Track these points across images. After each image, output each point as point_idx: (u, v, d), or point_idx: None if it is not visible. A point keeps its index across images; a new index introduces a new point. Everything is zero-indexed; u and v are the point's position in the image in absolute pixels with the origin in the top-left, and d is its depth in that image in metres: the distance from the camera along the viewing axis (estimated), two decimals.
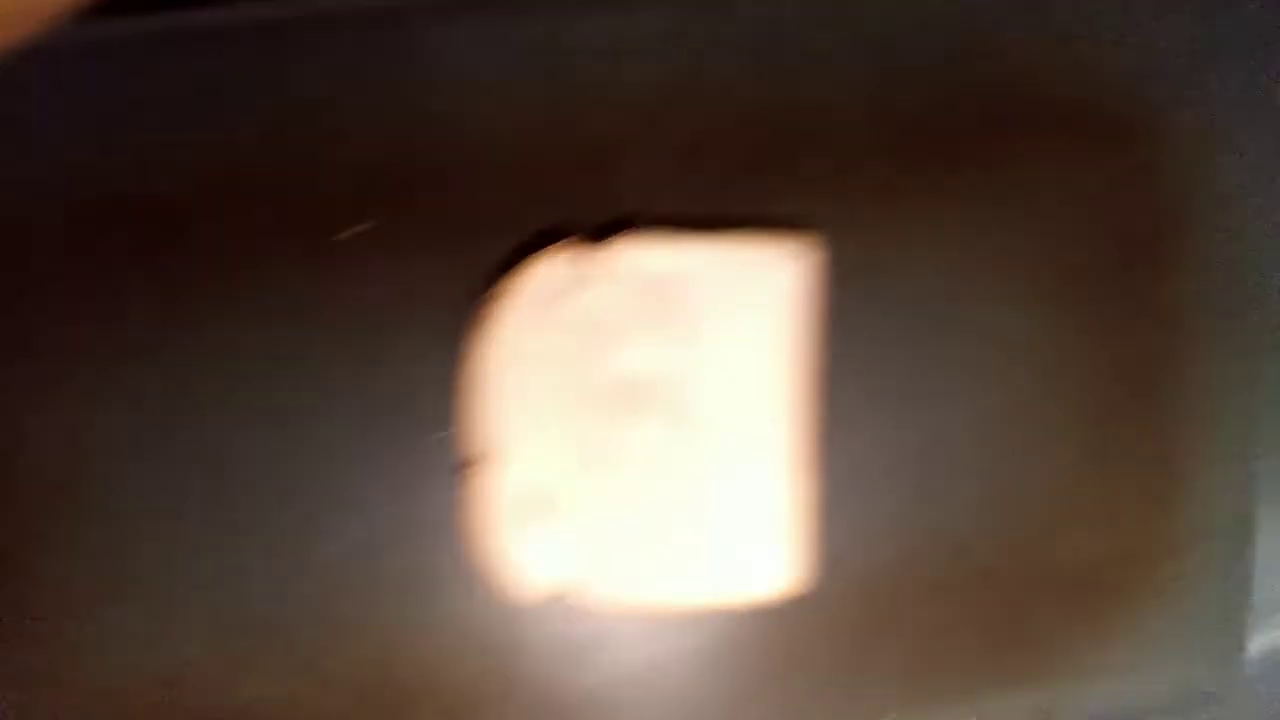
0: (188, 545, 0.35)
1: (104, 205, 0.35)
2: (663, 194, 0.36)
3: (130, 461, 0.35)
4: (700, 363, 0.36)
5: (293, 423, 0.35)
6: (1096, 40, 0.39)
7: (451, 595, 0.36)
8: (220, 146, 0.35)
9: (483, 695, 0.36)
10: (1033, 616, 0.39)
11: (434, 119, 0.36)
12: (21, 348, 0.34)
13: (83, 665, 0.35)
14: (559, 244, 0.35)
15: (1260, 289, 0.40)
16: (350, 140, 0.35)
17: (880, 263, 0.37)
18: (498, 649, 0.36)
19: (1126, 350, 0.39)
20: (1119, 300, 0.39)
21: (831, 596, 0.37)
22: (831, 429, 0.36)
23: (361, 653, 0.36)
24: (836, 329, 0.36)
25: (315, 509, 0.35)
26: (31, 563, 0.34)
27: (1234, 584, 0.41)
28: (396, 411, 0.35)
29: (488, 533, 0.35)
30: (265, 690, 0.35)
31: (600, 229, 0.35)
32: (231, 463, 0.35)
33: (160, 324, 0.35)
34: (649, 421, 0.35)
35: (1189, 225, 0.39)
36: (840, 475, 0.37)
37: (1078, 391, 0.39)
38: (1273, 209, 0.40)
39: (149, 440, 0.35)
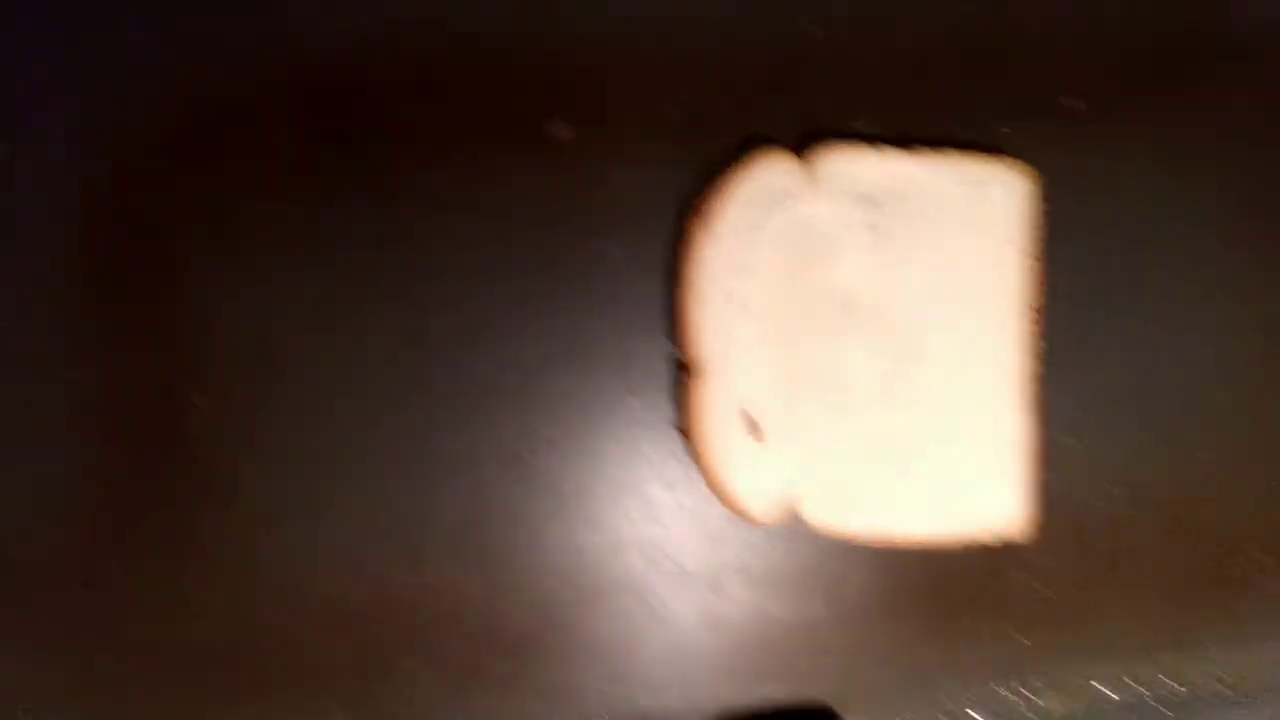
0: (384, 454, 0.34)
1: (307, 97, 0.34)
2: (868, 110, 0.36)
3: (332, 352, 0.34)
4: (918, 286, 0.35)
5: (500, 327, 0.35)
6: None
7: (659, 510, 0.35)
8: (416, 39, 0.34)
9: (686, 620, 0.35)
10: (1256, 569, 0.37)
11: (624, 22, 0.35)
12: (224, 231, 0.34)
13: (288, 566, 0.34)
14: (766, 153, 0.34)
15: None
16: (545, 42, 0.35)
17: (1095, 193, 0.36)
18: (705, 572, 0.35)
19: None
20: None
21: (1051, 537, 0.35)
22: (1054, 367, 0.35)
23: (550, 575, 0.35)
24: (1060, 265, 0.35)
25: (521, 415, 0.35)
26: (230, 468, 0.34)
27: None
28: (605, 317, 0.35)
29: (704, 446, 0.34)
30: (461, 605, 0.35)
31: (805, 140, 0.35)
32: (434, 363, 0.34)
33: (364, 214, 0.34)
34: (867, 344, 0.34)
35: None
36: (1062, 414, 0.35)
37: None
38: None
39: (347, 335, 0.34)
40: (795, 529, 0.35)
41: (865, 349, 0.35)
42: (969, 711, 0.37)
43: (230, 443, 0.34)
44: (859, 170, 0.35)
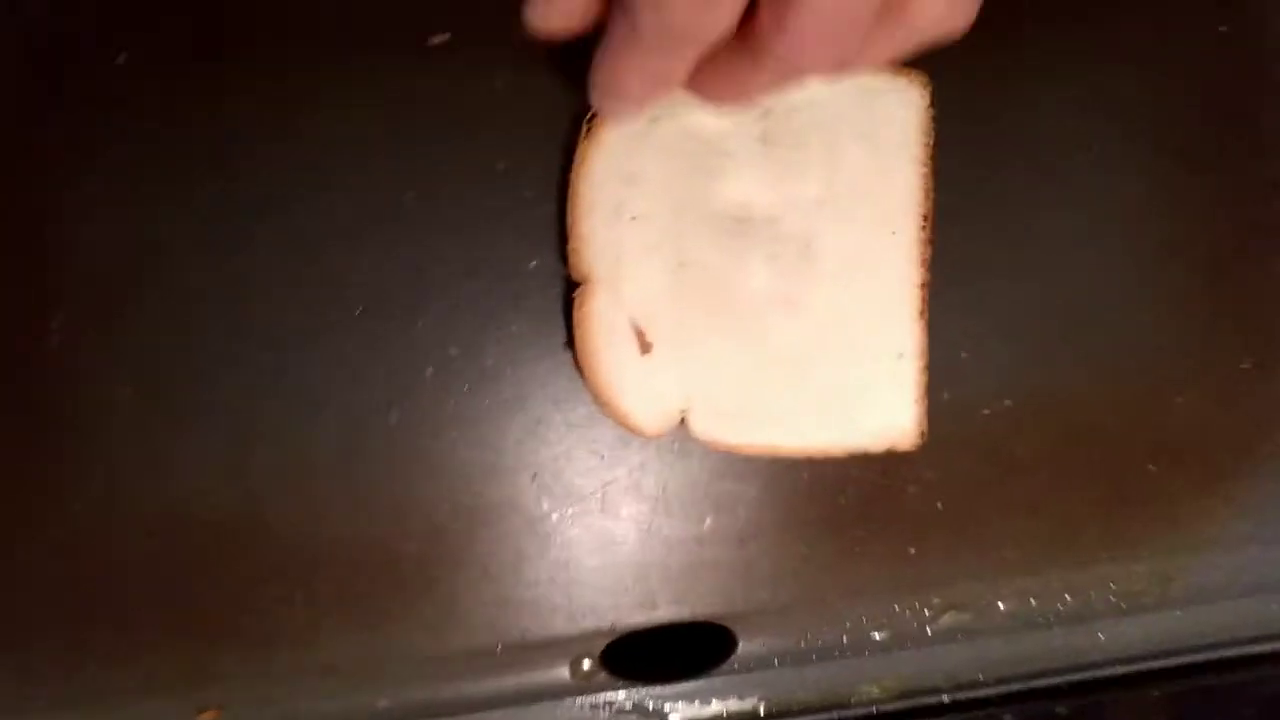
0: (256, 374, 0.33)
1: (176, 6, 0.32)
2: None
3: (206, 267, 0.32)
4: (810, 196, 0.34)
5: (384, 242, 0.33)
6: None
7: (547, 430, 0.34)
8: None
9: (576, 540, 0.34)
10: (1148, 482, 0.38)
11: None
12: (81, 145, 0.32)
13: (159, 493, 0.32)
14: None
15: None
16: None
17: (994, 111, 0.36)
18: (595, 492, 0.34)
19: (1252, 217, 0.38)
20: (1241, 168, 0.37)
21: (943, 450, 0.35)
22: (945, 279, 0.35)
23: (436, 499, 0.34)
24: (950, 176, 0.35)
25: (408, 330, 0.33)
26: (105, 381, 0.32)
27: None
28: (494, 231, 0.33)
29: (592, 360, 0.33)
30: (340, 530, 0.33)
31: None
32: (312, 278, 0.33)
33: (236, 127, 0.32)
34: (759, 255, 0.33)
35: None
36: (953, 327, 0.35)
37: (1198, 256, 0.38)
38: None
39: (230, 242, 0.32)
40: (685, 447, 0.34)
41: (757, 260, 0.34)
42: (873, 635, 0.36)
43: (91, 365, 0.32)
44: None
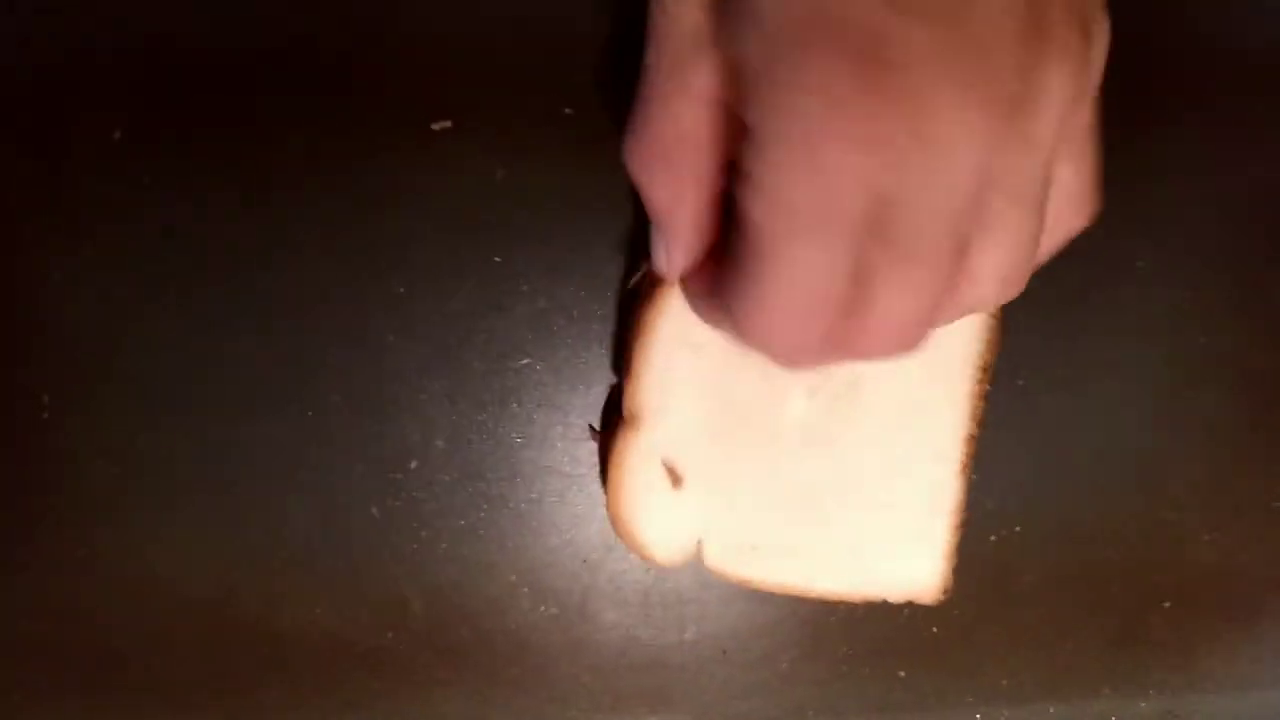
0: (247, 451, 0.32)
1: (166, 83, 0.31)
2: None
3: (190, 348, 0.32)
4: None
5: (374, 324, 0.32)
6: None
7: (533, 531, 0.33)
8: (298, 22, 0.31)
9: (553, 644, 0.33)
10: (1162, 618, 0.35)
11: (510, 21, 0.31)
12: (73, 226, 0.31)
13: (138, 569, 0.32)
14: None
15: None
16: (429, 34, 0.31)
17: None
18: (576, 596, 0.33)
19: None
20: None
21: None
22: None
23: (415, 592, 0.33)
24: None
25: (394, 421, 0.32)
26: (89, 459, 0.32)
27: None
28: (487, 321, 0.32)
29: (621, 489, 0.31)
30: (313, 620, 0.33)
31: None
32: (303, 361, 0.32)
33: (225, 210, 0.31)
34: (802, 389, 0.31)
35: None
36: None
37: (1242, 397, 0.35)
38: None
39: (214, 328, 0.32)
40: (700, 569, 0.33)
41: (798, 392, 0.31)
42: None
43: (77, 443, 0.32)
44: None
